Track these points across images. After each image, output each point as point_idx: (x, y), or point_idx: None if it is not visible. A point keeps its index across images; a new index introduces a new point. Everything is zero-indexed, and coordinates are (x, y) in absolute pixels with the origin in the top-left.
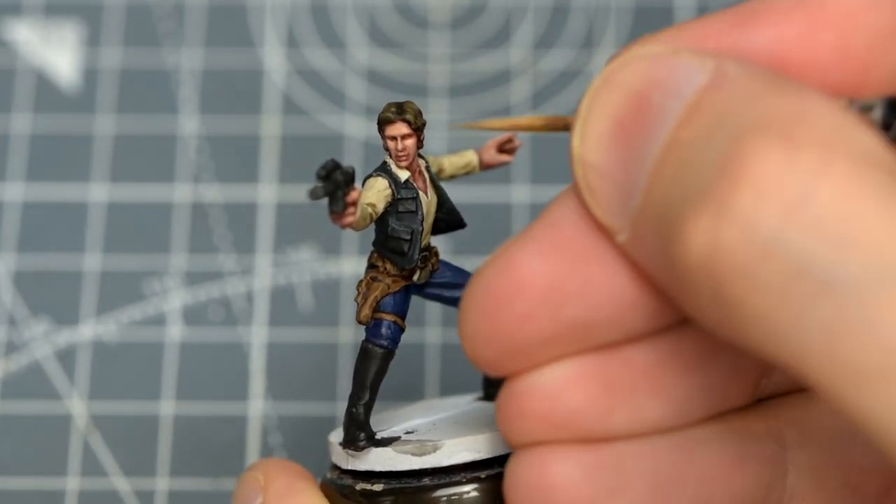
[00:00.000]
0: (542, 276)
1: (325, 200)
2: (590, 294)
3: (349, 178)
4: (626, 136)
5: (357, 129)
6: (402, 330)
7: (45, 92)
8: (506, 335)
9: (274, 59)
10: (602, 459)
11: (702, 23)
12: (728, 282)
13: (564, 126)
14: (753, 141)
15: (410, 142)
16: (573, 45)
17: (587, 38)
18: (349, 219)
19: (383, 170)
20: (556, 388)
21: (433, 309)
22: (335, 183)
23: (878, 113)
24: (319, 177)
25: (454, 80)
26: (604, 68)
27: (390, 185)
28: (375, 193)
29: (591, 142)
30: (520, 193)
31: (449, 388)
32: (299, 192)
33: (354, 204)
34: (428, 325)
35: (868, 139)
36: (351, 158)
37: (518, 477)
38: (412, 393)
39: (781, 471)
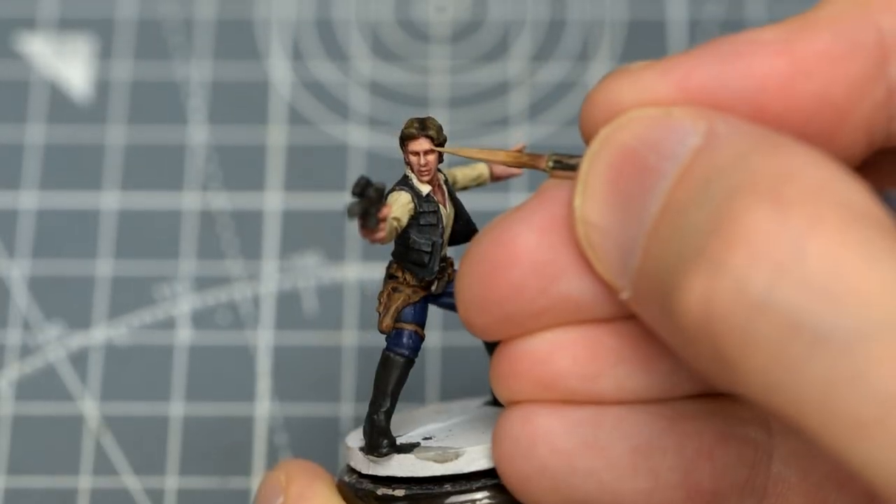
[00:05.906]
0: (535, 250)
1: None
2: (581, 272)
3: (381, 194)
4: (624, 197)
5: (360, 139)
6: (422, 339)
7: (59, 103)
8: (498, 304)
9: (280, 72)
10: (584, 417)
11: (687, 59)
12: (724, 339)
13: (532, 165)
14: (744, 200)
15: (432, 157)
16: (569, 57)
17: (583, 50)
18: (380, 234)
19: (405, 184)
20: (546, 352)
21: (433, 313)
22: (369, 199)
23: None
24: (354, 194)
25: (454, 91)
26: (602, 129)
27: (413, 199)
28: (400, 207)
29: (591, 201)
30: (518, 202)
31: (449, 391)
32: (304, 200)
33: (385, 219)
34: (428, 328)
35: (856, 193)
36: (354, 168)
37: (504, 430)
38: (412, 396)
39: (766, 455)
